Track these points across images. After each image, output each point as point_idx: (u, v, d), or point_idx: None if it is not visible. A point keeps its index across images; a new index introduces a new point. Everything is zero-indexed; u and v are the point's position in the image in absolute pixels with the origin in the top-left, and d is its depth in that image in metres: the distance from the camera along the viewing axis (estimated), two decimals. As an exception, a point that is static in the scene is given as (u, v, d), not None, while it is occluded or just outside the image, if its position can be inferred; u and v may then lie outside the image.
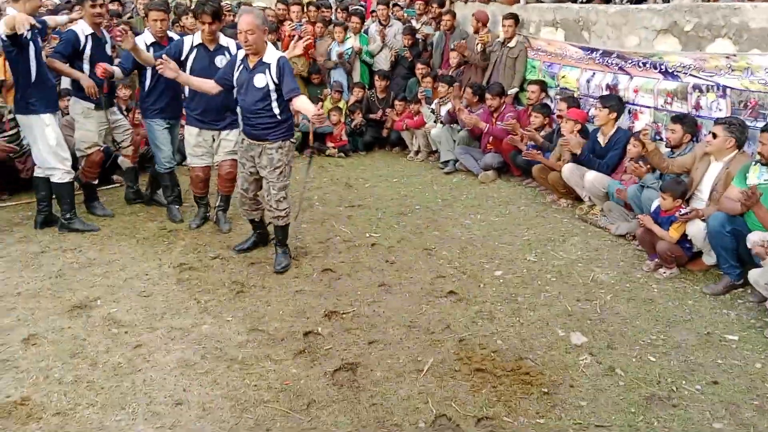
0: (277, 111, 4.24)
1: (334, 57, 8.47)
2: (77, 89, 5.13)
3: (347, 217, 5.70)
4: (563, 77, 6.77)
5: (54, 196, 5.14)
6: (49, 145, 4.87)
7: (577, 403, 3.02)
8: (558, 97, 6.72)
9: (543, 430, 2.84)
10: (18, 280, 4.24)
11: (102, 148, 5.45)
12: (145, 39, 5.14)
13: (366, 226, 5.45)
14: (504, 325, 3.77)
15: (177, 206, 5.53)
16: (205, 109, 4.91)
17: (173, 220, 5.42)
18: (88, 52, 5.06)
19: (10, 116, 5.81)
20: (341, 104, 8.30)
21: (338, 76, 8.58)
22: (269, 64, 4.16)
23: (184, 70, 4.75)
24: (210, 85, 4.43)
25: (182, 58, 4.80)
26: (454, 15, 8.27)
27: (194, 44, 4.86)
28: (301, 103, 4.15)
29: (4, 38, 4.52)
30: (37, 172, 5.10)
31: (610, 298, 4.15)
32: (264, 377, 3.20)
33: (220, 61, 4.81)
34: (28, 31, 4.49)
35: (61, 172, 4.95)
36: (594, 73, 6.35)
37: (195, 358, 3.35)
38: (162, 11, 5.18)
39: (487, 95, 6.98)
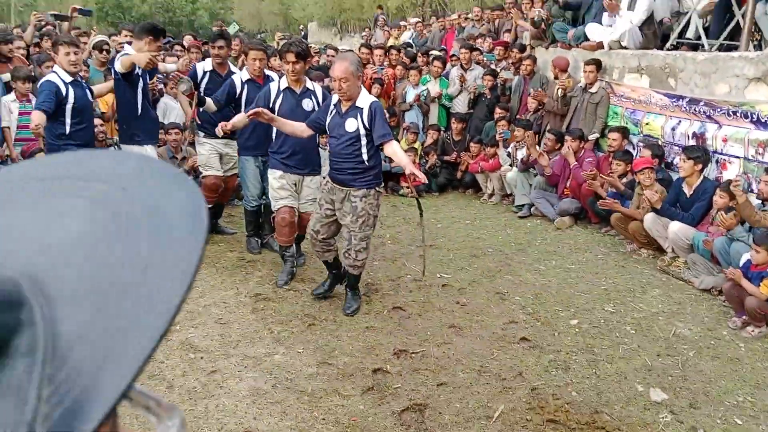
0: (365, 157, 4.14)
1: (409, 99, 8.65)
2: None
3: (419, 256, 5.69)
4: (647, 124, 6.62)
5: None
6: None
7: (657, 463, 2.86)
8: (641, 144, 6.56)
9: (619, 489, 2.70)
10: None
11: (218, 175, 5.68)
12: (241, 77, 5.35)
13: (437, 267, 5.43)
14: (579, 377, 3.64)
15: (256, 239, 5.70)
16: (290, 153, 4.77)
17: (251, 252, 5.59)
18: (203, 86, 5.43)
19: (112, 149, 6.22)
20: (416, 145, 8.40)
21: (413, 117, 8.73)
22: (362, 109, 4.11)
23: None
24: (302, 129, 4.44)
25: (270, 104, 4.75)
26: (534, 60, 8.29)
27: (281, 89, 4.80)
28: (393, 150, 4.12)
29: (119, 74, 4.92)
30: None
31: (693, 354, 3.94)
32: (332, 411, 3.21)
33: (307, 104, 4.74)
34: (139, 68, 4.93)
35: None
36: (680, 121, 6.18)
37: (266, 387, 3.41)
38: (262, 51, 5.43)
39: (567, 138, 6.91)
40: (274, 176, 4.85)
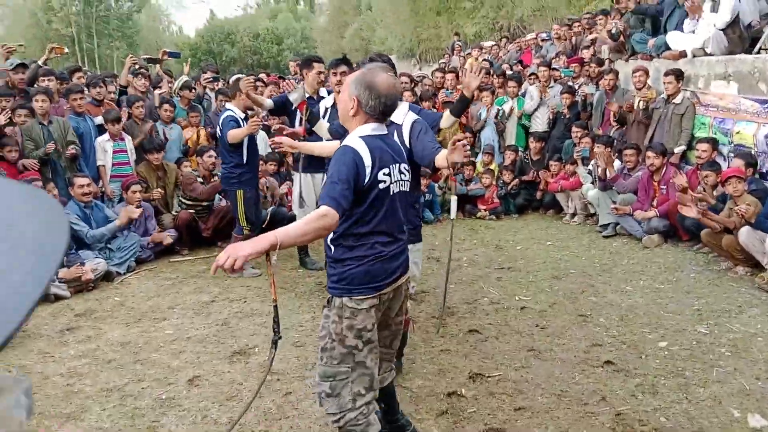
0: (329, 236, 2.53)
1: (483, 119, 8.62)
2: None
3: (496, 278, 5.58)
4: (738, 133, 6.24)
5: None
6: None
7: (757, 496, 2.61)
8: (732, 155, 6.18)
9: None
10: (189, 326, 4.65)
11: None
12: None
13: (516, 289, 5.29)
14: (668, 401, 3.40)
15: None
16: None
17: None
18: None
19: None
20: (493, 166, 8.30)
21: (488, 138, 8.64)
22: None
23: None
24: (329, 146, 3.60)
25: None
26: (616, 74, 8.04)
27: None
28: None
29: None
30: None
31: (799, 379, 3.60)
32: (405, 435, 3.15)
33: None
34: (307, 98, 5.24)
35: None
36: (775, 128, 5.78)
37: (339, 410, 3.40)
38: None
39: (649, 153, 6.60)
40: None
